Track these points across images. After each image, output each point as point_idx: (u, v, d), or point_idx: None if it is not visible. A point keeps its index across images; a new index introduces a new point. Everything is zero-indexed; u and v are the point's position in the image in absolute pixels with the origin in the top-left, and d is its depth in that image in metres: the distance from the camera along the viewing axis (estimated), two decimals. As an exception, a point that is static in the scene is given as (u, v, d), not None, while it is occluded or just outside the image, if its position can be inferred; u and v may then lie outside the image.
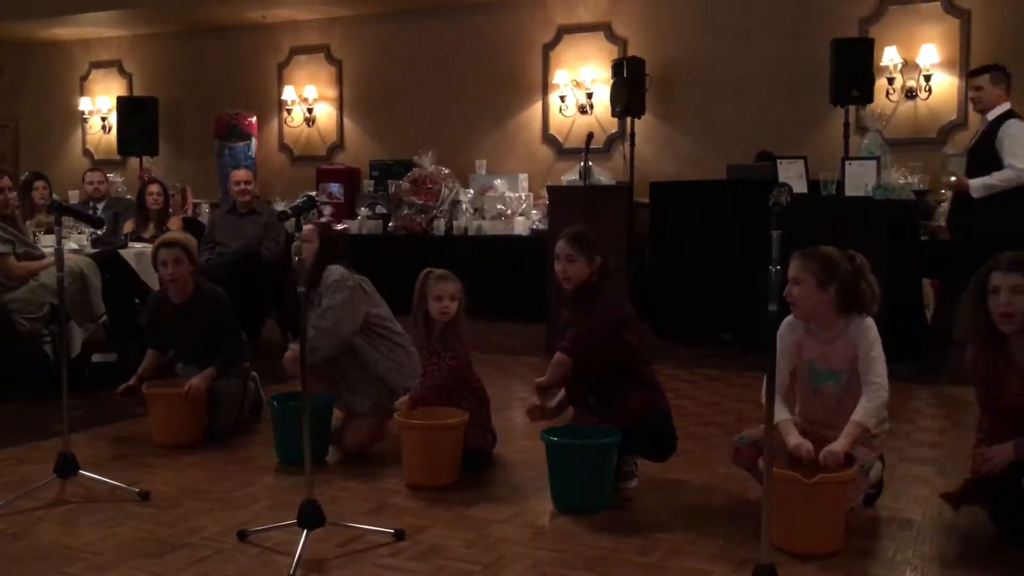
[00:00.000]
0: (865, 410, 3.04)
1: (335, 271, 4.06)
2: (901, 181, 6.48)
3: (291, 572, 2.70)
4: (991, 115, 5.62)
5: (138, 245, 5.99)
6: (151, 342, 4.48)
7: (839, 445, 2.96)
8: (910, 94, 7.63)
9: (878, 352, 3.11)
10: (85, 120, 11.10)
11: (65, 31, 10.76)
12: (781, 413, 3.12)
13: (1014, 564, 2.83)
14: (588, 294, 3.56)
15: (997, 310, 2.88)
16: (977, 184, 5.53)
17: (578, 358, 3.49)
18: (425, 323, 3.84)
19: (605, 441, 3.34)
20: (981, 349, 2.99)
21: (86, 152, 11.17)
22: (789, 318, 3.20)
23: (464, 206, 8.61)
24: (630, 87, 7.90)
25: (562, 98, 8.80)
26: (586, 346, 3.49)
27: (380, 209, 8.95)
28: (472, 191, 8.73)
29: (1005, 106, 5.62)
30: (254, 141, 9.87)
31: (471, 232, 8.43)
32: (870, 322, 3.16)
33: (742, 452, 3.19)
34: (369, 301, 4.14)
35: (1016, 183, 5.40)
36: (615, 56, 8.42)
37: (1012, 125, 5.46)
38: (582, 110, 8.74)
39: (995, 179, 5.45)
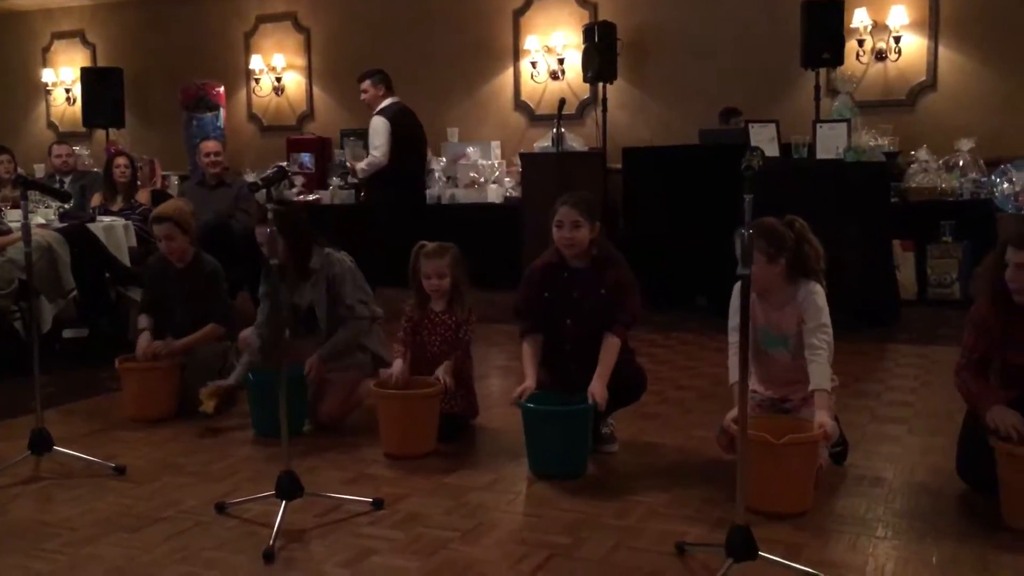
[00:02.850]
0: (820, 376, 3.09)
1: (332, 259, 4.03)
2: (871, 143, 6.53)
3: (270, 543, 2.71)
4: (376, 109, 6.71)
5: (107, 219, 5.91)
6: (147, 306, 4.43)
7: (824, 418, 2.98)
8: (880, 56, 7.65)
9: (825, 318, 3.16)
10: (49, 92, 10.90)
11: (25, 0, 10.52)
12: (735, 374, 3.14)
13: (980, 515, 2.89)
14: (599, 263, 3.53)
15: (1010, 284, 2.91)
16: (359, 167, 6.83)
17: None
18: (421, 296, 3.83)
19: (583, 407, 3.36)
20: (997, 313, 3.00)
21: (51, 125, 10.98)
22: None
23: (437, 174, 8.57)
24: (601, 52, 7.86)
25: (533, 64, 8.75)
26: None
27: (352, 179, 8.88)
28: (444, 159, 8.68)
29: (388, 101, 6.69)
30: (222, 112, 9.74)
31: (444, 201, 8.39)
32: (818, 288, 3.21)
33: (733, 441, 3.16)
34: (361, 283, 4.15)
35: (377, 168, 6.63)
36: (586, 21, 8.38)
37: (375, 121, 6.61)
38: (554, 76, 8.70)
39: (363, 163, 6.72)
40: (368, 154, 6.71)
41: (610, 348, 3.46)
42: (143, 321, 4.37)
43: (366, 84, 6.77)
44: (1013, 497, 2.83)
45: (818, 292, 3.20)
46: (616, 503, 3.07)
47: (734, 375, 3.12)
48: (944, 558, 2.62)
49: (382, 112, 6.64)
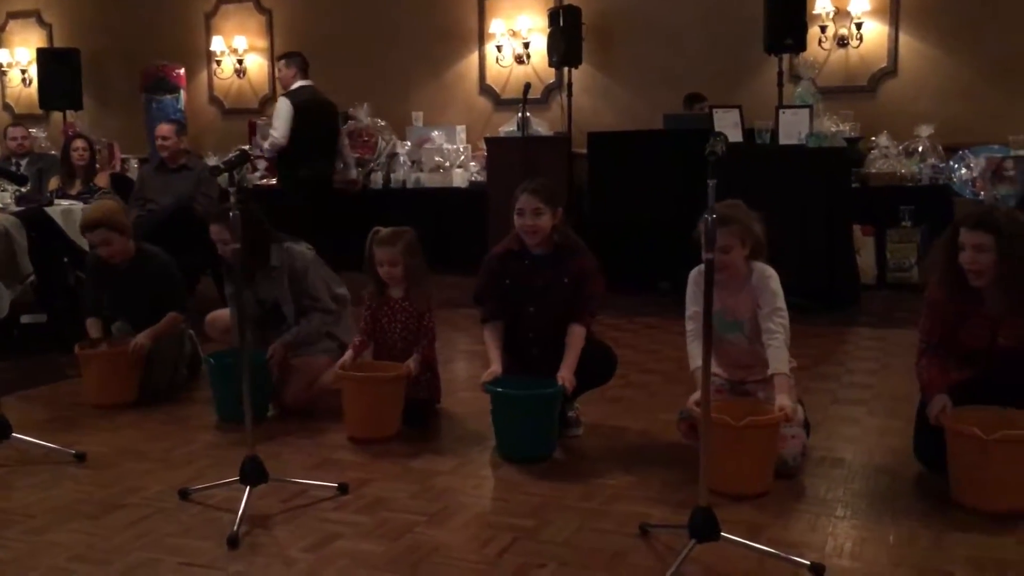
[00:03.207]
0: (778, 359, 3.12)
1: (292, 253, 3.99)
2: (833, 129, 6.59)
3: (235, 528, 2.69)
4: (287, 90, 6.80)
5: (64, 202, 5.81)
6: (90, 308, 4.32)
7: (784, 400, 3.02)
8: (842, 42, 7.73)
9: (780, 303, 3.18)
10: (4, 73, 10.69)
11: (-22, -21, 10.30)
12: (695, 360, 3.18)
13: (936, 495, 2.94)
14: (562, 251, 3.53)
15: (966, 267, 2.94)
16: (263, 147, 6.96)
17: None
18: (378, 283, 3.81)
19: (552, 391, 3.37)
20: (951, 295, 3.03)
21: (6, 107, 10.76)
22: (699, 268, 3.18)
23: (402, 159, 8.52)
24: (567, 37, 7.85)
25: (499, 48, 8.72)
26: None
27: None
28: (409, 143, 8.63)
29: (298, 84, 6.76)
30: (183, 94, 9.60)
31: (409, 185, 8.36)
32: (771, 271, 3.23)
33: (692, 427, 3.18)
34: (325, 273, 4.11)
35: (277, 149, 6.70)
36: (551, 5, 8.35)
37: (279, 102, 6.73)
38: (519, 60, 8.68)
39: (266, 144, 6.83)
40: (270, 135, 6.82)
41: (576, 337, 3.47)
42: (92, 328, 4.25)
43: (281, 64, 6.91)
44: (959, 475, 2.90)
45: (771, 276, 3.22)
46: (581, 486, 3.09)
47: (695, 361, 3.16)
48: (901, 537, 2.67)
49: (289, 95, 6.70)
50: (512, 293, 3.58)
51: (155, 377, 4.18)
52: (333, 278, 4.20)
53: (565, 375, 3.38)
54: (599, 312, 3.66)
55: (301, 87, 6.77)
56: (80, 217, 5.51)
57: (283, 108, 6.63)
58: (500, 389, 3.39)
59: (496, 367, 3.47)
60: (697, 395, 3.00)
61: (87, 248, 5.47)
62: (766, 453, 3.01)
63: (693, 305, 3.25)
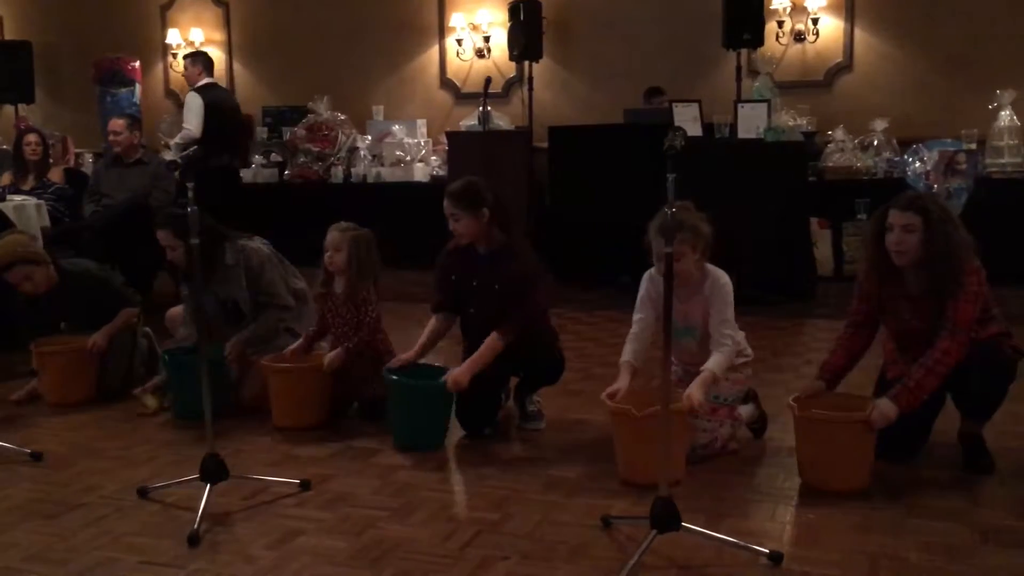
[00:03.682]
0: (717, 363, 3.16)
1: (247, 251, 3.95)
2: (791, 123, 6.67)
3: (195, 527, 2.67)
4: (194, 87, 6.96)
5: (17, 198, 5.72)
6: (30, 337, 4.18)
7: (693, 390, 3.06)
8: (799, 37, 7.81)
9: (730, 313, 3.21)
10: (-48, 65, 10.42)
11: (-76, -31, 10.05)
12: (625, 354, 3.28)
13: (890, 482, 3.00)
14: (506, 257, 3.50)
15: (890, 246, 3.04)
16: (173, 141, 7.06)
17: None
18: (326, 274, 3.79)
19: (431, 385, 3.44)
20: (876, 274, 3.15)
21: (-45, 100, 10.51)
22: (652, 271, 3.27)
23: (362, 153, 8.46)
24: (527, 30, 7.85)
25: (459, 42, 8.70)
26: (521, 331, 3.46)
27: (275, 157, 8.70)
28: (370, 138, 8.57)
29: (204, 81, 6.94)
30: (138, 87, 9.45)
31: (370, 180, 8.30)
32: (724, 279, 3.23)
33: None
34: (282, 268, 4.07)
35: (188, 141, 6.76)
36: (511, -1, 8.34)
37: (189, 97, 6.88)
38: (480, 54, 8.66)
39: (177, 138, 6.91)
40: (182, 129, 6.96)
41: (489, 345, 3.43)
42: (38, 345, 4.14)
43: (187, 63, 7.14)
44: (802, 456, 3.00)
45: (725, 283, 3.23)
46: (542, 479, 3.11)
47: (625, 355, 3.27)
48: (857, 525, 2.72)
49: (198, 90, 6.88)
50: (457, 289, 3.61)
51: (110, 375, 4.12)
52: (291, 272, 4.17)
53: (455, 374, 3.39)
54: (536, 325, 3.55)
55: (208, 84, 6.99)
56: (32, 211, 5.42)
57: (194, 103, 6.82)
58: (395, 377, 3.47)
59: (410, 354, 3.55)
60: (611, 387, 3.16)
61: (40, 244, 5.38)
62: (676, 442, 3.01)
63: (640, 311, 3.33)
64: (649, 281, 3.31)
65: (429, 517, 2.83)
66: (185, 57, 7.29)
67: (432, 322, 3.67)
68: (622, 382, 3.18)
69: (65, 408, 3.97)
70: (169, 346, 4.06)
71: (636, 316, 3.34)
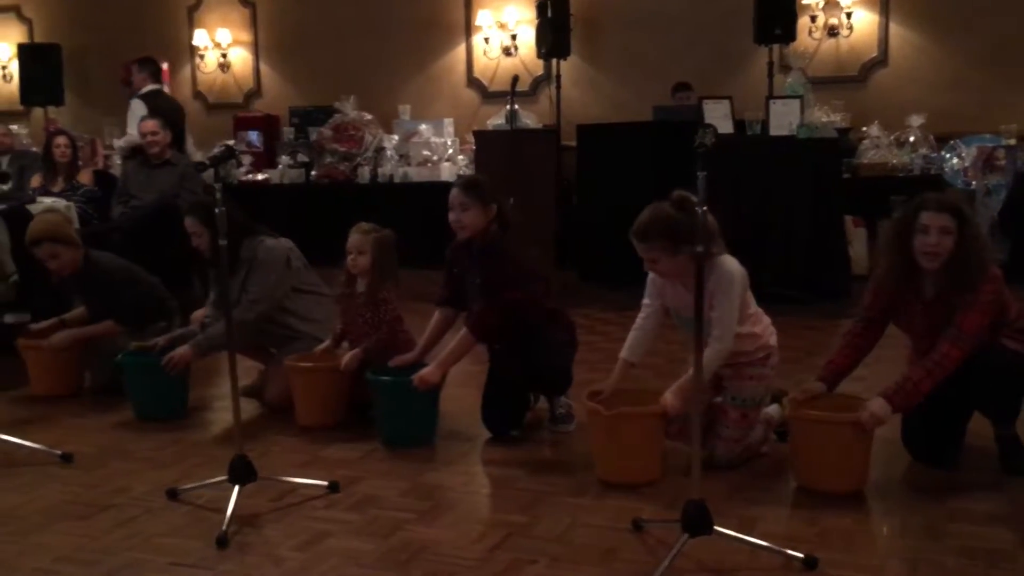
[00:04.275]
0: (705, 359, 3.03)
1: (262, 248, 3.92)
2: (824, 119, 6.57)
3: (224, 528, 2.66)
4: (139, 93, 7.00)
5: (47, 200, 5.75)
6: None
7: (669, 396, 3.01)
8: (832, 32, 7.71)
9: (728, 307, 3.05)
10: (-16, 69, 10.57)
11: (-42, -26, 10.19)
12: (625, 351, 3.26)
13: (928, 486, 2.94)
14: (492, 251, 3.48)
15: (924, 248, 2.94)
16: (117, 144, 7.12)
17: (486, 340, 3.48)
18: (348, 275, 3.78)
19: (389, 380, 3.46)
20: (893, 279, 3.08)
21: (-13, 103, 10.66)
22: None
23: (389, 153, 8.46)
24: (554, 28, 7.81)
25: (486, 40, 8.68)
26: (496, 327, 3.44)
27: (302, 157, 8.73)
28: (396, 137, 8.57)
29: (149, 88, 6.99)
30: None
31: (396, 179, 8.30)
32: (731, 275, 3.08)
33: (671, 428, 3.15)
34: (295, 276, 4.03)
35: (132, 145, 6.75)
36: (538, -4, 8.31)
37: (134, 103, 6.92)
38: (507, 52, 8.64)
39: (122, 141, 6.97)
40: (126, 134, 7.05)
41: (459, 341, 3.43)
42: (75, 312, 4.34)
43: (134, 68, 7.19)
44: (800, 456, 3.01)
45: (730, 281, 3.05)
46: (572, 481, 3.07)
47: (624, 352, 3.26)
48: (894, 529, 2.67)
49: (142, 97, 6.93)
50: (460, 284, 3.62)
51: (97, 375, 4.18)
52: (304, 278, 4.09)
53: (424, 372, 3.39)
54: (503, 318, 3.45)
55: (152, 90, 7.04)
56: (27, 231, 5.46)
57: (137, 108, 6.87)
58: (372, 376, 3.49)
59: (412, 355, 3.55)
60: (599, 385, 3.17)
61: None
62: (648, 443, 3.04)
63: (647, 296, 3.31)
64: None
65: (457, 519, 2.80)
66: (133, 63, 7.23)
67: (436, 316, 3.68)
68: (611, 380, 3.18)
69: (95, 410, 3.98)
70: (130, 347, 3.97)
71: (644, 301, 3.29)
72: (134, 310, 4.19)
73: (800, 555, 2.44)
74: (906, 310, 3.10)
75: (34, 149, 7.58)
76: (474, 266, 3.52)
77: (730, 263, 3.10)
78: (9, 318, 5.41)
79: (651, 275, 3.26)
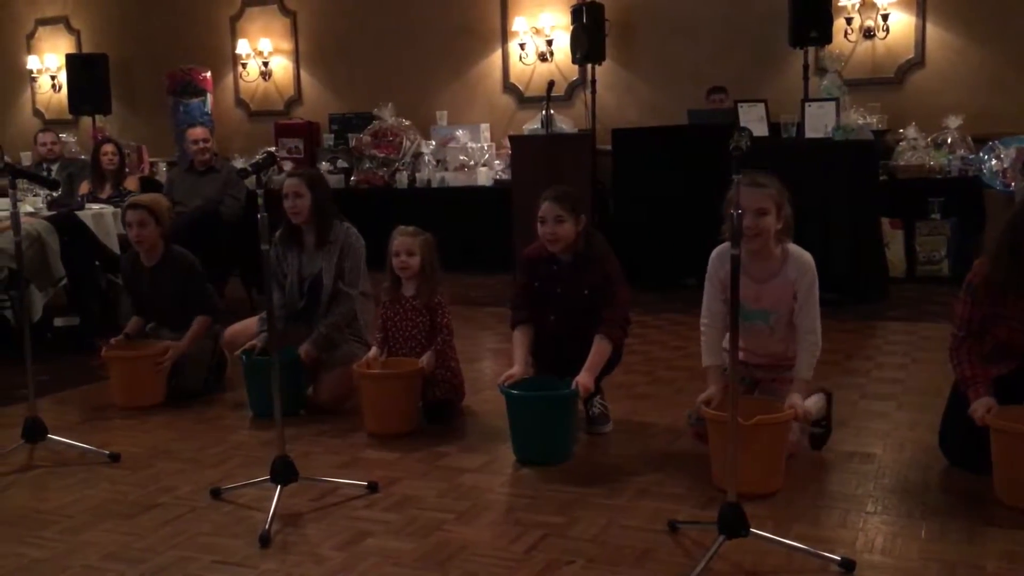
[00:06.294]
0: (807, 365, 3.08)
1: (350, 233, 4.04)
2: (860, 121, 6.54)
3: (266, 527, 2.72)
4: None
5: (95, 206, 5.89)
6: (134, 307, 4.43)
7: (795, 399, 3.00)
8: (868, 34, 7.65)
9: (815, 299, 3.07)
10: (34, 79, 10.82)
11: (7, -13, 10.44)
12: (708, 357, 3.18)
13: (968, 490, 2.92)
14: (583, 259, 3.50)
15: None
16: None
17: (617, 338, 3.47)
18: (393, 278, 3.83)
19: (563, 393, 3.31)
20: (1000, 287, 2.92)
21: (36, 112, 10.90)
22: (722, 248, 3.09)
23: (426, 158, 8.55)
24: (590, 33, 7.83)
25: (522, 46, 8.72)
26: (624, 326, 3.48)
27: (341, 163, 8.85)
28: (434, 143, 8.65)
29: None
30: (209, 97, 9.68)
31: (434, 184, 8.38)
32: (809, 260, 3.10)
33: (701, 432, 3.16)
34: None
35: None
36: (574, 2, 8.33)
37: None
38: (542, 58, 8.67)
39: None
40: None
41: (599, 350, 3.41)
42: (131, 325, 4.37)
43: None
44: (1006, 475, 2.85)
45: (812, 267, 3.07)
46: (608, 482, 3.09)
47: (707, 358, 3.18)
48: (932, 532, 2.65)
49: None
50: (539, 297, 3.58)
51: (187, 381, 4.21)
52: (364, 275, 4.21)
53: (582, 379, 3.33)
54: (625, 322, 3.59)
55: None
56: (109, 219, 5.60)
57: None
58: (515, 391, 3.34)
59: (517, 368, 3.43)
60: (705, 394, 3.06)
61: (117, 251, 5.57)
62: (772, 452, 2.95)
63: (706, 296, 3.20)
64: (717, 259, 3.15)
65: (495, 520, 2.84)
66: None
67: (518, 335, 3.57)
68: (716, 390, 3.08)
69: (139, 411, 4.07)
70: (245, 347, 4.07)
71: (704, 304, 3.21)
72: (199, 303, 4.27)
73: (837, 557, 2.43)
74: (1006, 316, 2.91)
75: (82, 157, 7.75)
76: (562, 277, 3.52)
77: (804, 252, 3.09)
78: (59, 321, 5.56)
79: (713, 268, 3.17)
